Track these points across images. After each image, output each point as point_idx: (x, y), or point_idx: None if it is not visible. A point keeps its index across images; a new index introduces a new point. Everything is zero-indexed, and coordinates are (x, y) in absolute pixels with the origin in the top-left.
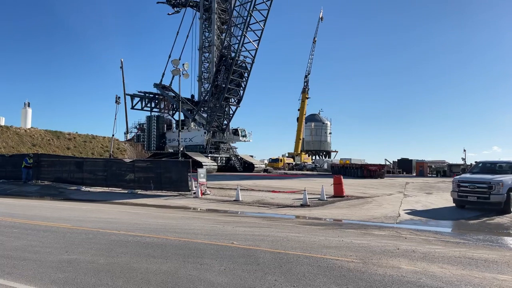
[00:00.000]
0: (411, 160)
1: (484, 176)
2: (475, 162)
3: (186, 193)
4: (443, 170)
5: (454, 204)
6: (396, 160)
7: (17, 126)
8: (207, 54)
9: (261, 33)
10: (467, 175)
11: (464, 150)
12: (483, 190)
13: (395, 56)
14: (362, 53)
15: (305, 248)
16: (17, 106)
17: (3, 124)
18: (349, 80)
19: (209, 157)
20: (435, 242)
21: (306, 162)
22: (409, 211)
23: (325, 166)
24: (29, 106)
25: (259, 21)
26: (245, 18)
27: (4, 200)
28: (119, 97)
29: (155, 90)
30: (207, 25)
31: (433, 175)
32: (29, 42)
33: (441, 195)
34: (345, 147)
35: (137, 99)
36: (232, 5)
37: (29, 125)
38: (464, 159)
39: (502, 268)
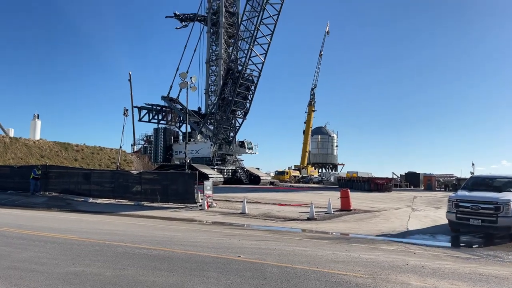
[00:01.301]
0: (419, 173)
1: (488, 194)
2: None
3: (192, 205)
4: (451, 184)
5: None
6: (404, 174)
7: (26, 138)
8: (214, 67)
9: (268, 46)
10: (466, 193)
11: (473, 164)
12: (489, 212)
13: (401, 67)
14: (368, 64)
15: (312, 262)
16: (27, 118)
17: (12, 135)
18: (356, 92)
19: (216, 170)
20: (444, 257)
21: (313, 175)
22: (417, 225)
23: (332, 179)
24: (38, 118)
25: (266, 35)
26: (252, 32)
27: (12, 211)
28: (127, 110)
29: (162, 103)
30: (214, 39)
31: (441, 189)
32: (38, 54)
33: None
34: (352, 160)
35: (144, 111)
36: (239, 19)
37: (38, 137)
38: (472, 173)
39: None
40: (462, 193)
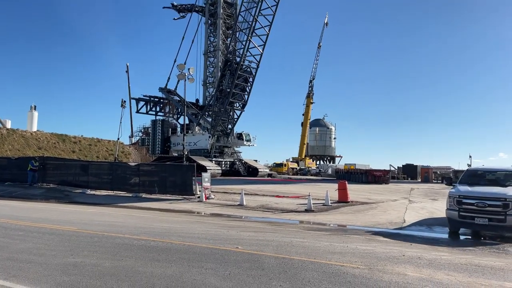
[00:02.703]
0: (416, 165)
1: (493, 189)
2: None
3: (191, 197)
4: (447, 177)
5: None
6: (401, 166)
7: (23, 129)
8: (212, 58)
9: (266, 38)
10: (468, 188)
11: (470, 156)
12: (497, 209)
13: (400, 60)
14: (366, 57)
15: (310, 253)
16: (24, 109)
17: (9, 127)
18: (354, 85)
19: (214, 161)
20: (441, 248)
21: (311, 167)
22: (414, 217)
23: (330, 171)
24: (35, 109)
25: (264, 26)
26: (250, 23)
27: (10, 202)
28: (124, 101)
29: (160, 94)
30: (212, 30)
31: (438, 181)
32: (35, 45)
33: None
34: (349, 152)
35: (142, 103)
36: (238, 10)
37: (35, 128)
38: (469, 165)
39: (508, 275)
40: (464, 188)
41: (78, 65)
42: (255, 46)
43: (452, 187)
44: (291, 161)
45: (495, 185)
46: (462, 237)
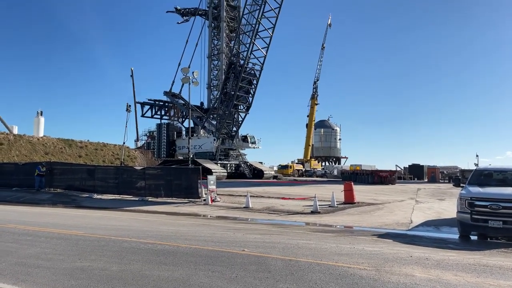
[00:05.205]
0: (423, 165)
1: (506, 190)
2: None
3: (196, 200)
4: (454, 177)
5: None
6: (407, 166)
7: (30, 135)
8: (216, 61)
9: (270, 40)
10: (480, 189)
11: (477, 156)
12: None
13: (405, 60)
14: (370, 57)
15: (317, 255)
16: (30, 115)
17: (16, 133)
18: (358, 85)
19: (219, 164)
20: (448, 249)
21: (316, 169)
22: (421, 217)
23: (335, 172)
24: (41, 115)
25: (268, 29)
26: (253, 25)
27: (18, 208)
28: (129, 105)
29: (165, 98)
30: (216, 33)
31: (445, 181)
32: (40, 50)
33: (454, 202)
34: (355, 153)
35: (147, 107)
36: (241, 13)
37: (41, 134)
38: (476, 165)
39: None
40: (475, 189)
41: (82, 70)
42: (259, 49)
43: (461, 188)
44: (296, 163)
45: (506, 186)
46: (470, 237)
